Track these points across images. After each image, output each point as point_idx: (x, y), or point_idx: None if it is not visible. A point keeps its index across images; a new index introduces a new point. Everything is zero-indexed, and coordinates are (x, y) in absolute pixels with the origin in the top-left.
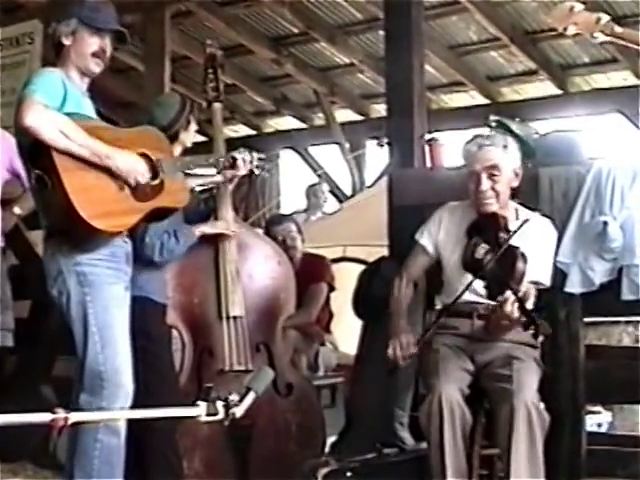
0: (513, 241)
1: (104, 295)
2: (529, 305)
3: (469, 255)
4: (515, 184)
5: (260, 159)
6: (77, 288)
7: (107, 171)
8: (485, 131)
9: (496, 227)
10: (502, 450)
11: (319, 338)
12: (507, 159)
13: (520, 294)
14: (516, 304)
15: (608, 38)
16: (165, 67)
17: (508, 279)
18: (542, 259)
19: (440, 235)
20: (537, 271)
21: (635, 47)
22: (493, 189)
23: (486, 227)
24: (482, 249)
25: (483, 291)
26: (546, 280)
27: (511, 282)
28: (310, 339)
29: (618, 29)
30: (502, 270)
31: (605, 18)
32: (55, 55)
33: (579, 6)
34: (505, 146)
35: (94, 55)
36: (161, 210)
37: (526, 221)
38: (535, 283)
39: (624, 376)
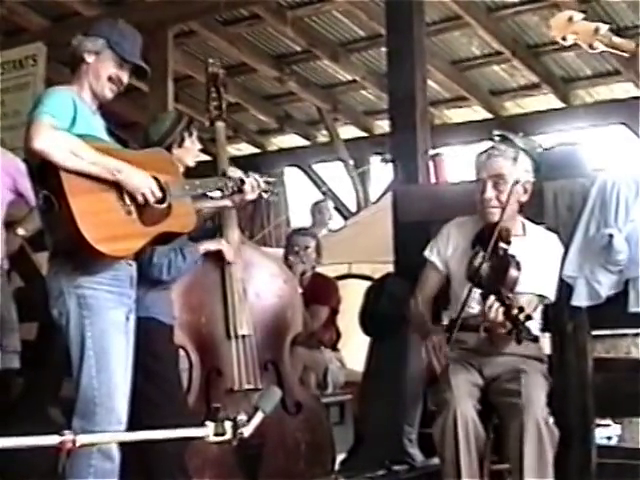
0: (514, 251)
1: (103, 319)
2: (526, 313)
3: (469, 264)
4: (524, 199)
5: (268, 182)
6: (76, 310)
7: (115, 194)
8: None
9: (497, 237)
10: (513, 466)
11: (329, 342)
12: (514, 171)
13: (506, 300)
14: (501, 309)
15: (607, 48)
16: (168, 87)
17: (499, 285)
18: (547, 273)
19: (449, 250)
20: (542, 285)
21: (634, 57)
22: (497, 199)
23: (488, 237)
24: (480, 257)
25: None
26: (551, 294)
27: (502, 288)
28: (319, 349)
29: (617, 39)
30: (495, 276)
31: (604, 28)
32: (72, 69)
33: (578, 16)
34: (515, 159)
35: (110, 79)
36: (167, 234)
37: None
38: (540, 297)
39: (633, 389)
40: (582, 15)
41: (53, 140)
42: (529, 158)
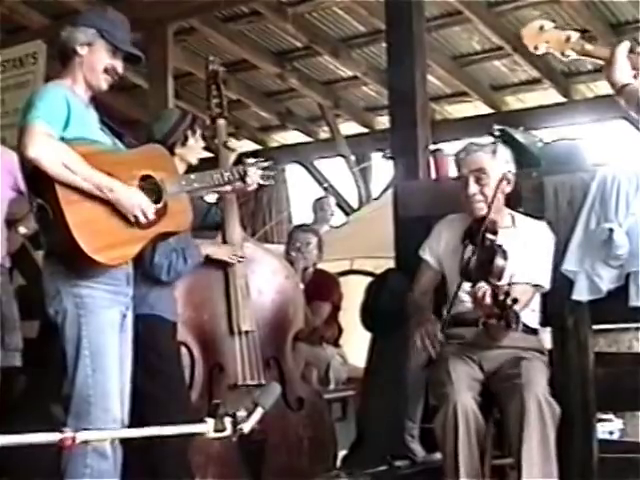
0: (504, 242)
1: (99, 319)
2: (512, 297)
3: (460, 259)
4: (508, 190)
5: (265, 168)
6: (73, 310)
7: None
8: (486, 140)
9: (484, 230)
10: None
11: (331, 338)
12: (495, 164)
13: (495, 289)
14: (488, 292)
15: (579, 56)
16: (168, 84)
17: (486, 275)
18: (539, 262)
19: (441, 248)
20: (536, 274)
21: (606, 63)
22: (482, 193)
23: (476, 231)
24: (469, 251)
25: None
26: (545, 283)
27: (489, 277)
28: (320, 345)
29: (589, 46)
30: (482, 267)
31: (575, 36)
32: (62, 62)
33: (549, 24)
34: (494, 152)
35: (105, 71)
36: (164, 234)
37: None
38: (535, 286)
39: (634, 383)
40: (553, 24)
41: (46, 151)
42: (508, 149)
